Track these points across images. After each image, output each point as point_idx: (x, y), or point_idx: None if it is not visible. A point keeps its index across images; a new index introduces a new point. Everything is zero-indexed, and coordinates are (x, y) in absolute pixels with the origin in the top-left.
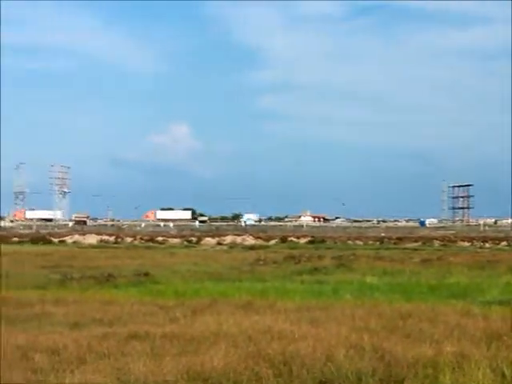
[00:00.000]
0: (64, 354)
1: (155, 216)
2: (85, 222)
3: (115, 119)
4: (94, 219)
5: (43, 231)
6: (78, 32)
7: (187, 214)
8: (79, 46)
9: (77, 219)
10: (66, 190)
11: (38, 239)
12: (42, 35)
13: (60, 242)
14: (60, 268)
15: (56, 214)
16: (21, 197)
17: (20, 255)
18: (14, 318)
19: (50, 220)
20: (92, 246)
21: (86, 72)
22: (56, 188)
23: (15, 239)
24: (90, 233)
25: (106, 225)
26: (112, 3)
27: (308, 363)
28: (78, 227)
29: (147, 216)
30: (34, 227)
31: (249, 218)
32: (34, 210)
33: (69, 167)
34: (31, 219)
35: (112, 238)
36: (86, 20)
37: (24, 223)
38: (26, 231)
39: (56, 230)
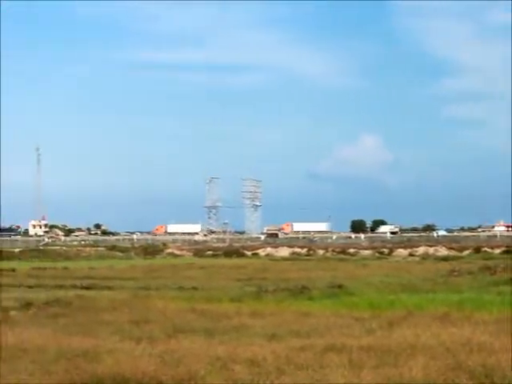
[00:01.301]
0: (263, 366)
1: (292, 228)
2: (276, 235)
3: (303, 132)
4: (285, 232)
5: (236, 244)
6: (267, 47)
7: (323, 226)
8: (268, 60)
9: (269, 232)
10: (257, 203)
11: (232, 252)
12: (234, 53)
13: (253, 254)
14: (254, 280)
15: (248, 228)
16: (214, 211)
17: (215, 268)
18: (213, 330)
19: (242, 233)
20: (284, 259)
21: (276, 86)
22: (248, 202)
23: (209, 252)
24: (282, 245)
25: (297, 237)
26: (299, 19)
27: (510, 375)
28: (270, 240)
29: (283, 228)
30: (228, 240)
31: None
32: (226, 223)
33: (260, 181)
34: (224, 232)
35: (304, 251)
36: (275, 36)
37: (217, 237)
38: (220, 244)
39: (249, 242)
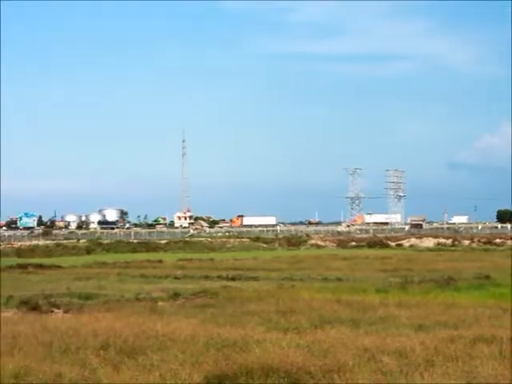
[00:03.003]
0: (411, 357)
1: (364, 219)
2: (421, 226)
3: (444, 121)
4: (430, 222)
5: (380, 235)
6: (407, 36)
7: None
8: (410, 49)
9: (413, 222)
10: (401, 193)
11: (375, 243)
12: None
13: (397, 245)
14: (399, 271)
15: (391, 218)
16: (357, 202)
17: (359, 259)
18: (359, 321)
19: (385, 224)
20: (429, 249)
21: (417, 75)
22: (391, 192)
23: (352, 243)
24: (427, 236)
25: (442, 228)
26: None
27: None
28: (414, 231)
29: (355, 220)
30: (371, 231)
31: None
32: (371, 214)
33: (403, 171)
34: (368, 223)
35: (449, 241)
36: (421, 23)
37: (360, 227)
38: (363, 235)
39: (392, 233)
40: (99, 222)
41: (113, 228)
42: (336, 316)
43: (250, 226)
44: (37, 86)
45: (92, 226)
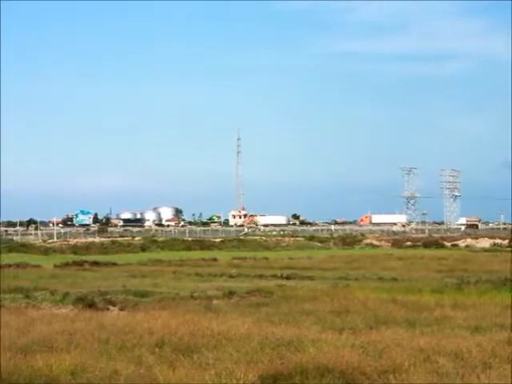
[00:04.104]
0: (468, 358)
1: (370, 220)
2: (477, 226)
3: (500, 120)
4: (486, 223)
5: (435, 235)
6: (469, 35)
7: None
8: (465, 49)
9: (469, 223)
10: (456, 193)
11: (431, 243)
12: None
13: (452, 245)
14: (455, 272)
15: (396, 219)
16: (412, 201)
17: (414, 259)
18: (414, 322)
19: (441, 223)
20: (485, 250)
21: (473, 74)
22: (447, 192)
23: (408, 243)
24: (483, 236)
25: (498, 228)
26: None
27: None
28: (469, 231)
29: (361, 220)
30: (426, 231)
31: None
32: (425, 214)
33: (459, 171)
34: (423, 223)
35: (505, 242)
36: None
37: (416, 227)
38: (419, 235)
39: (448, 233)
40: (125, 220)
41: (142, 226)
42: (391, 316)
43: (306, 224)
44: (92, 82)
45: (147, 223)
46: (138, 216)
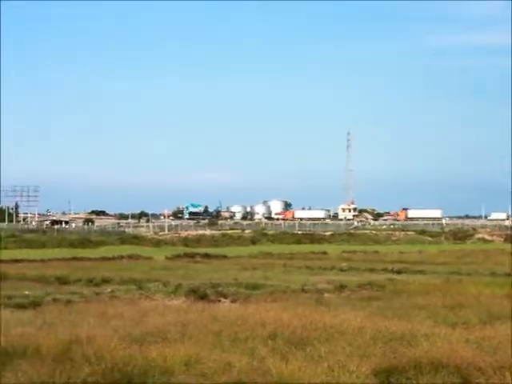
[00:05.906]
0: None
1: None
2: None
3: None
4: None
5: None
6: None
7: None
8: None
9: None
10: None
11: None
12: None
13: None
14: None
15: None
16: None
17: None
18: None
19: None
20: None
21: None
22: None
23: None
24: None
25: None
26: None
27: None
28: None
29: (398, 215)
30: None
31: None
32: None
33: None
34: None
35: None
36: None
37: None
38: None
39: None
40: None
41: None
42: (505, 312)
43: (416, 218)
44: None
45: (256, 216)
46: (248, 209)
